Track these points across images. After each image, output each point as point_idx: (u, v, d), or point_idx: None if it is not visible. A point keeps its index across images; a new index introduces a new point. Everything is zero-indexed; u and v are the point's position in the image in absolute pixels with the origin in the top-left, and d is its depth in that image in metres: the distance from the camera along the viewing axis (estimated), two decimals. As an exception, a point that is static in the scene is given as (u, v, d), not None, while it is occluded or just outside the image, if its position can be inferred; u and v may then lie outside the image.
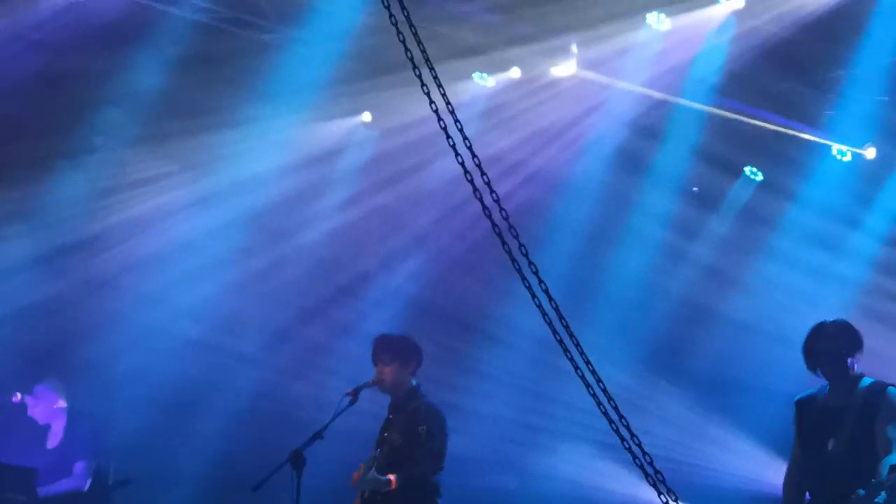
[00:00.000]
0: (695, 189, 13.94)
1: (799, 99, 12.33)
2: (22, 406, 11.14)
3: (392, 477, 9.05)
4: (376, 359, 9.49)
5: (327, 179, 13.86)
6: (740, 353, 13.66)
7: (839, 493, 7.33)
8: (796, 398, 7.91)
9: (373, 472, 9.11)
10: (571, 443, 13.78)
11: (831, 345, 7.73)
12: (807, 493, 7.83)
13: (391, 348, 9.47)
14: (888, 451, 7.38)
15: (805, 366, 7.78)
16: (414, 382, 9.48)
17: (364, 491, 9.18)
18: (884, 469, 7.25)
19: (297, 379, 13.83)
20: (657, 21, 11.30)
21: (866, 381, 7.69)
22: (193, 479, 13.42)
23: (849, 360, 7.71)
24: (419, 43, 5.83)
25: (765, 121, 12.59)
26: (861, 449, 7.53)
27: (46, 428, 11.17)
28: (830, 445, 7.63)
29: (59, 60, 11.69)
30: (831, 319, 7.89)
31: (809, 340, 7.80)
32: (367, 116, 13.57)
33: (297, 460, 9.07)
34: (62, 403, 11.17)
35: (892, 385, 7.62)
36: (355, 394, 9.43)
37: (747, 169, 13.78)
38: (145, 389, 13.21)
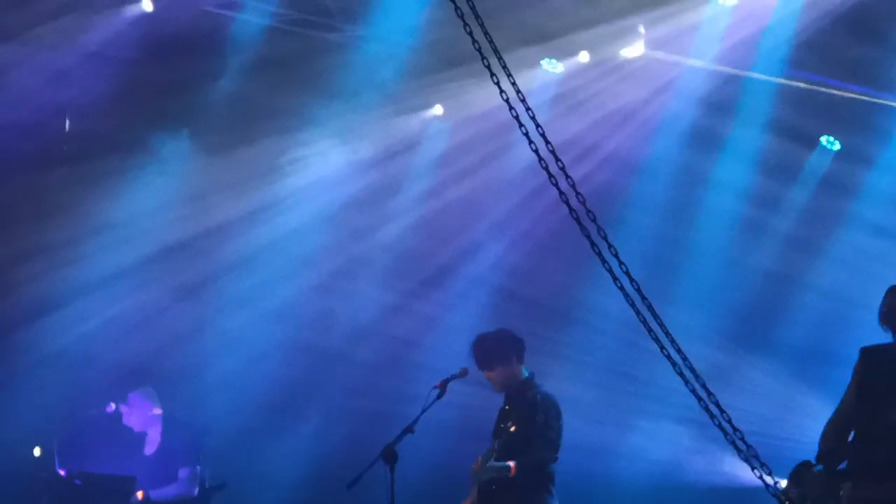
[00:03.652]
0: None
1: (874, 64, 12.19)
2: (117, 415, 11.27)
3: (511, 464, 9.10)
4: (479, 366, 9.53)
5: (404, 174, 13.90)
6: (827, 323, 13.53)
7: None
8: (863, 346, 7.63)
9: (492, 461, 9.15)
10: (662, 422, 13.73)
11: None
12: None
13: (490, 355, 9.49)
14: None
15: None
16: (526, 373, 9.52)
17: (482, 480, 9.22)
18: None
19: (385, 374, 13.88)
20: (721, -4, 11.27)
21: None
22: (288, 480, 13.52)
23: None
24: (486, 33, 5.87)
25: (839, 89, 12.48)
26: None
27: (143, 435, 11.30)
28: None
29: (134, 73, 11.83)
30: None
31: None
32: (438, 109, 13.60)
33: (389, 456, 9.11)
34: (157, 410, 11.30)
35: None
36: (443, 386, 9.47)
37: (823, 138, 13.67)
38: (236, 393, 13.32)
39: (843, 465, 7.54)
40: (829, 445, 7.60)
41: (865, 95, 12.57)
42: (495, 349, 9.49)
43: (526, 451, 9.17)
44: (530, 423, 9.23)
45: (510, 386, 9.50)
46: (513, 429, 9.20)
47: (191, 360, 13.36)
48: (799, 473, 7.47)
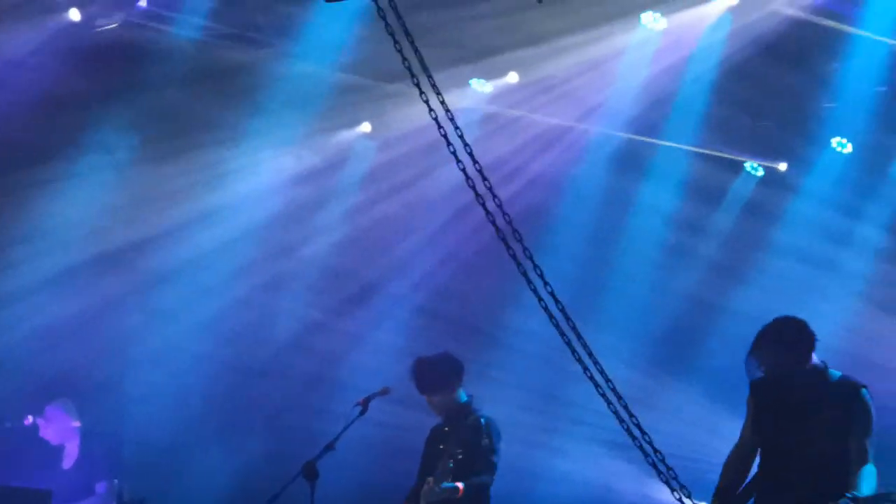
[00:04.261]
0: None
1: (797, 92, 12.34)
2: (34, 428, 11.15)
3: (459, 485, 9.14)
4: (421, 391, 9.59)
5: (331, 191, 13.87)
6: (748, 347, 13.62)
7: (805, 489, 7.35)
8: (752, 380, 7.92)
9: (444, 483, 9.19)
10: (585, 444, 13.78)
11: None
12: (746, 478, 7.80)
13: (432, 380, 9.55)
14: (862, 461, 7.34)
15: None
16: (465, 397, 9.58)
17: (431, 502, 9.24)
18: (860, 482, 7.24)
19: (308, 391, 13.84)
20: (653, 20, 11.34)
21: (835, 374, 7.65)
22: (209, 495, 13.42)
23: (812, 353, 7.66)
24: (416, 51, 5.86)
25: (761, 116, 12.63)
26: (828, 448, 7.47)
27: (60, 448, 11.18)
28: (796, 436, 7.58)
29: (61, 83, 11.72)
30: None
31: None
32: (367, 126, 13.59)
33: (310, 472, 9.12)
34: (75, 423, 11.18)
35: (865, 386, 7.57)
36: (365, 404, 9.50)
37: (748, 164, 13.81)
38: (158, 407, 13.22)
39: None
40: (726, 481, 7.83)
41: (788, 123, 12.74)
42: (437, 374, 9.57)
43: (470, 474, 9.23)
44: (476, 446, 9.32)
45: (450, 409, 9.57)
46: (459, 452, 9.26)
47: (113, 372, 13.25)
48: None
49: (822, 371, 7.65)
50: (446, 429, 9.59)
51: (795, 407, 7.68)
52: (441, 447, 9.47)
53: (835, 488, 7.23)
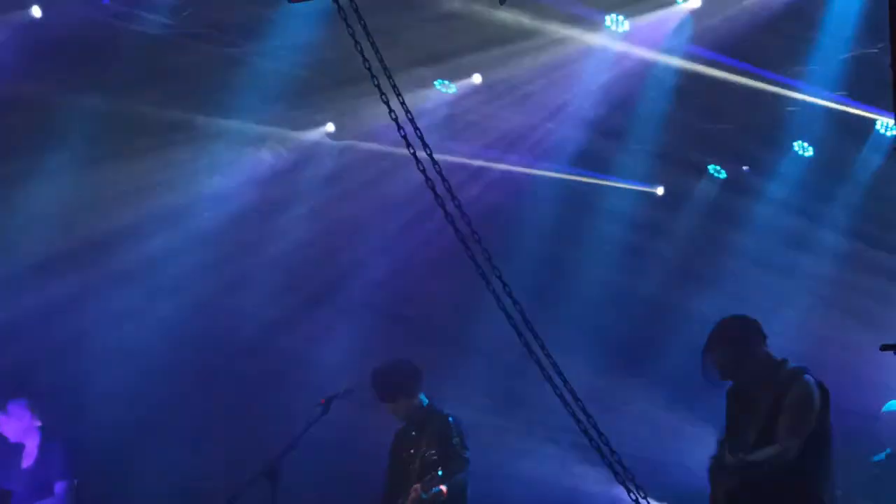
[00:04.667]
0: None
1: (759, 95, 12.40)
2: (-7, 424, 11.11)
3: (443, 487, 9.21)
4: (381, 399, 9.69)
5: (293, 191, 13.85)
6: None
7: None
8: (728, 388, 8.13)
9: (433, 489, 9.24)
10: (549, 446, 13.82)
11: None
12: None
13: (392, 389, 9.66)
14: (783, 438, 7.60)
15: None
16: (425, 400, 9.67)
17: None
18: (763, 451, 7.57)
19: (269, 391, 13.82)
20: (616, 23, 11.37)
21: (790, 365, 7.87)
22: (167, 497, 13.37)
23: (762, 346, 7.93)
24: (377, 52, 5.88)
25: (726, 118, 12.68)
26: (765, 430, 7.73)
27: (20, 447, 11.12)
28: (741, 422, 7.89)
29: (20, 79, 11.66)
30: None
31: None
32: (330, 127, 13.58)
33: (271, 472, 9.14)
34: (37, 423, 11.12)
35: (807, 372, 7.78)
36: (327, 403, 9.55)
37: (711, 167, 13.88)
38: (116, 408, 13.14)
39: None
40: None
41: (750, 126, 12.80)
42: (395, 381, 9.67)
43: (447, 474, 9.30)
44: (448, 446, 9.43)
45: (413, 413, 9.68)
46: (433, 453, 9.36)
47: (70, 373, 13.18)
48: None
49: (776, 362, 7.80)
50: (413, 433, 9.68)
51: (744, 395, 7.89)
52: (412, 451, 9.55)
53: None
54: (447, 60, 12.16)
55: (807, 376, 7.72)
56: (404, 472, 9.59)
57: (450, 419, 9.59)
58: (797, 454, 7.52)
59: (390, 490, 9.80)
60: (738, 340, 7.89)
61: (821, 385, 7.74)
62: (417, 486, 9.31)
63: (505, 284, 5.69)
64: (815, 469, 7.59)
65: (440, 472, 9.28)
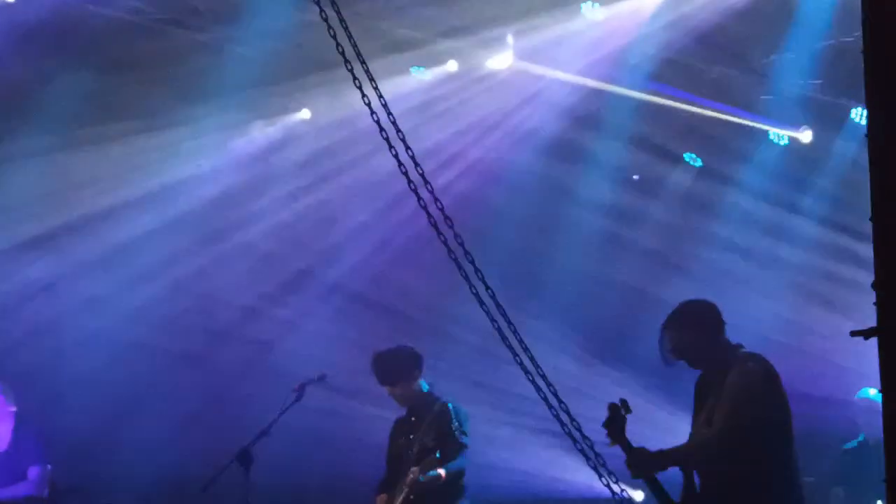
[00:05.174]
0: (635, 177, 14.03)
1: (734, 84, 12.42)
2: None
3: (441, 471, 9.24)
4: (381, 382, 9.73)
5: (267, 177, 13.82)
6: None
7: None
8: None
9: (430, 472, 9.26)
10: (527, 434, 13.83)
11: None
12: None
13: (392, 373, 9.71)
14: (716, 427, 7.61)
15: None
16: (426, 386, 9.70)
17: (412, 493, 9.32)
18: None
19: (242, 378, 13.81)
20: (592, 10, 11.37)
21: (745, 353, 7.85)
22: (141, 482, 13.32)
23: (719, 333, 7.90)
24: (350, 38, 5.87)
25: (701, 107, 12.69)
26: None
27: (-8, 432, 11.07)
28: (697, 411, 8.02)
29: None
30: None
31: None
32: (305, 113, 13.54)
33: (244, 458, 9.16)
34: (12, 408, 11.06)
35: (753, 359, 7.74)
36: (301, 389, 9.57)
37: (686, 155, 13.89)
38: (90, 394, 13.11)
39: None
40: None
41: (727, 115, 12.80)
42: (397, 367, 9.73)
43: (445, 459, 9.32)
44: (447, 431, 9.50)
45: (413, 399, 9.72)
46: (431, 439, 9.42)
47: (44, 357, 13.15)
48: None
49: (731, 348, 7.79)
50: (413, 419, 9.73)
51: (704, 382, 7.91)
52: (411, 437, 9.60)
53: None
54: (424, 47, 12.16)
55: (750, 363, 7.62)
56: (403, 456, 9.64)
57: (449, 405, 9.64)
58: (737, 442, 7.42)
59: (389, 474, 9.83)
60: (693, 325, 7.85)
61: (768, 371, 7.63)
62: (415, 468, 9.34)
63: (477, 270, 5.68)
64: (767, 456, 7.46)
65: (437, 455, 9.31)
